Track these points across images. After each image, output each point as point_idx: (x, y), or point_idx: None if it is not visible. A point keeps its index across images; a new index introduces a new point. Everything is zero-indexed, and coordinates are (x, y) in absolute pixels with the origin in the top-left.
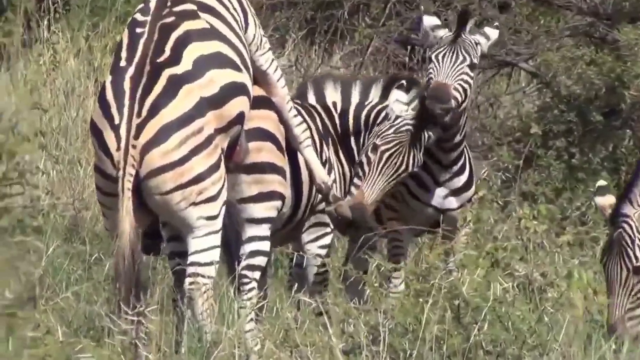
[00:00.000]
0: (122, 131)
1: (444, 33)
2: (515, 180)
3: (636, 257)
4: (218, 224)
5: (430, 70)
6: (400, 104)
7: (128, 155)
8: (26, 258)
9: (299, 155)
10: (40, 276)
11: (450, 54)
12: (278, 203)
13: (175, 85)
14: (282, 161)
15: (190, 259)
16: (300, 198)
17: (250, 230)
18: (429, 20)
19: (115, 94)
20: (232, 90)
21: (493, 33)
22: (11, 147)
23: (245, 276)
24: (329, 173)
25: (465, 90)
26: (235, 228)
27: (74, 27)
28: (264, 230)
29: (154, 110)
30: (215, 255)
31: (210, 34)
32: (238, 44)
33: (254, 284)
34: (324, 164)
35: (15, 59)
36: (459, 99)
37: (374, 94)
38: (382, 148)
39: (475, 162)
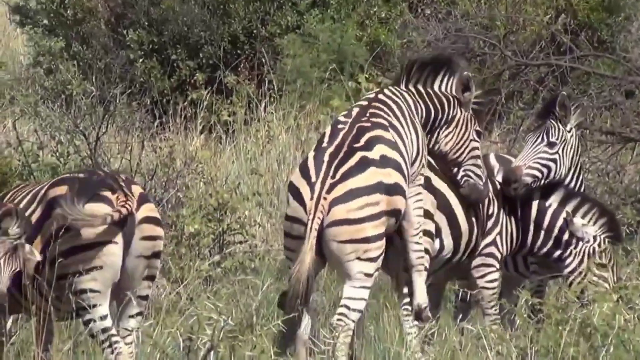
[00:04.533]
0: (317, 187)
1: None
2: (637, 233)
3: None
4: (371, 281)
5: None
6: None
7: (319, 205)
8: (246, 293)
9: (459, 213)
10: (256, 307)
11: (533, 137)
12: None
13: (365, 164)
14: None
15: (343, 302)
16: (458, 245)
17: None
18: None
19: (315, 163)
20: (400, 189)
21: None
22: (234, 204)
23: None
24: (494, 226)
25: (546, 165)
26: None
27: (285, 108)
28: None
29: (345, 177)
30: (362, 305)
31: (394, 144)
32: (405, 168)
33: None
34: (488, 217)
35: (238, 134)
36: (538, 174)
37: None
38: None
39: None
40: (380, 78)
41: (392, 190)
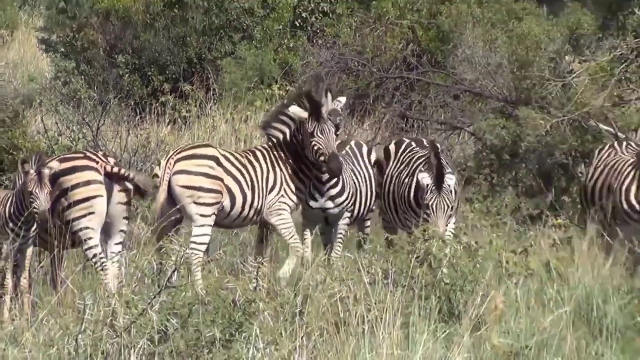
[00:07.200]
0: (170, 154)
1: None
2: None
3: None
4: (209, 221)
5: None
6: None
7: (168, 163)
8: None
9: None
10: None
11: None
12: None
13: (210, 145)
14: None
15: (191, 239)
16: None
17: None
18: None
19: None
20: (233, 179)
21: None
22: None
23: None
24: None
25: None
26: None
27: (224, 107)
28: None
29: (192, 148)
30: (206, 239)
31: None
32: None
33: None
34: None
35: (192, 125)
36: None
37: None
38: None
39: None
40: (288, 87)
41: (227, 172)
